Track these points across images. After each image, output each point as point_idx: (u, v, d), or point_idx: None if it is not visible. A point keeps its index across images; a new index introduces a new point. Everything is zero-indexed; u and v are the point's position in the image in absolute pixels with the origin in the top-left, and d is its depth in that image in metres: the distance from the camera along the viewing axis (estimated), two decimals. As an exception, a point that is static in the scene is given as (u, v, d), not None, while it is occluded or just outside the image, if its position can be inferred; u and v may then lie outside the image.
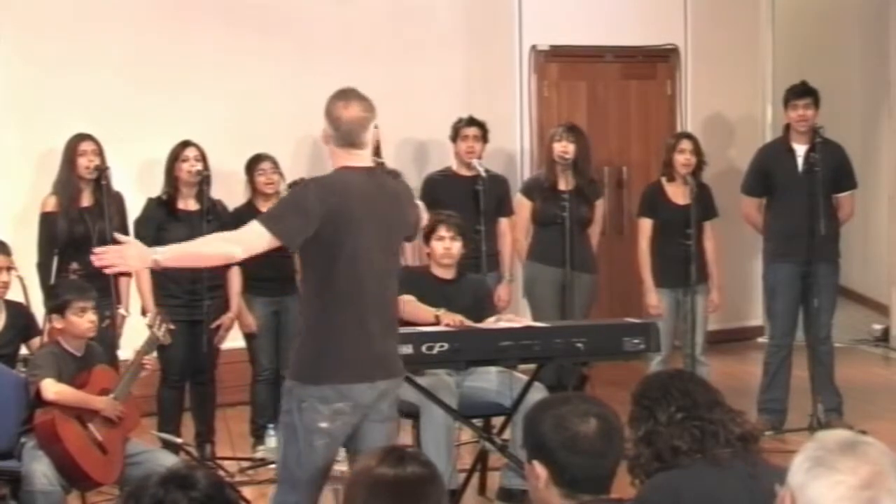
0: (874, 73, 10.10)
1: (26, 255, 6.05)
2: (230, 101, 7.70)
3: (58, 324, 5.10)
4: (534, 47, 8.85)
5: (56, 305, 5.15)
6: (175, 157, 6.39)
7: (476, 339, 5.08)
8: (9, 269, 5.51)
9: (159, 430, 5.96)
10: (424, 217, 6.26)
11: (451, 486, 5.20)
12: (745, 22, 9.56)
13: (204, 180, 6.34)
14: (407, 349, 4.78)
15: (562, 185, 6.90)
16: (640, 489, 3.01)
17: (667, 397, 3.08)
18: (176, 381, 6.39)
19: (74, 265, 5.98)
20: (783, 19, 9.83)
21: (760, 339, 8.73)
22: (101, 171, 6.22)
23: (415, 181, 7.51)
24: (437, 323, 5.29)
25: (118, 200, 6.37)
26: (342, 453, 4.28)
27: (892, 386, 8.30)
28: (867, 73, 10.48)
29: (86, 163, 6.22)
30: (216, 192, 6.50)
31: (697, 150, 6.93)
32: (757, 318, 9.28)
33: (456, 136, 7.18)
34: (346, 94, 4.14)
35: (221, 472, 5.69)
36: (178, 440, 5.88)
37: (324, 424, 4.01)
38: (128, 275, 6.28)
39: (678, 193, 6.91)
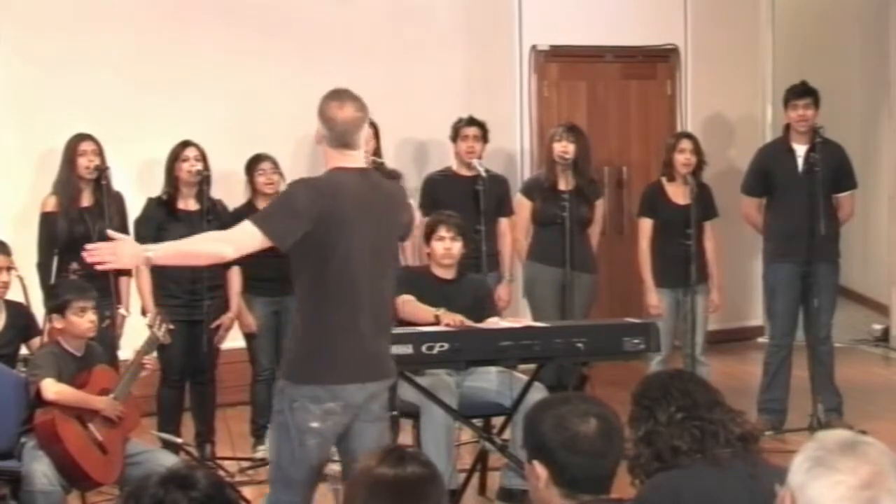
0: (874, 73, 10.10)
1: (26, 255, 6.05)
2: (230, 101, 7.70)
3: (58, 324, 5.10)
4: (534, 47, 8.85)
5: (56, 305, 5.15)
6: (175, 156, 6.39)
7: (476, 339, 5.08)
8: (9, 269, 5.51)
9: (159, 430, 5.96)
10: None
11: (451, 486, 5.20)
12: (745, 22, 9.56)
13: (204, 180, 6.34)
14: (407, 349, 4.79)
15: (562, 185, 6.89)
16: (640, 489, 3.01)
17: (667, 397, 3.08)
18: (176, 381, 6.39)
19: (74, 265, 5.97)
20: (783, 19, 9.83)
21: (760, 339, 8.74)
22: (101, 171, 6.23)
23: (415, 181, 7.52)
24: (437, 323, 5.29)
25: (118, 200, 6.38)
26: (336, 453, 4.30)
27: (892, 386, 8.30)
28: (867, 73, 10.48)
29: (86, 163, 6.22)
30: (216, 192, 6.50)
31: (697, 150, 6.93)
32: (757, 318, 9.29)
33: (456, 136, 7.18)
34: (340, 95, 4.13)
35: (221, 472, 5.69)
36: (178, 440, 5.88)
37: (315, 424, 4.02)
38: (128, 274, 6.30)
39: (678, 193, 6.91)
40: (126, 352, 5.71)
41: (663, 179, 7.00)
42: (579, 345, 5.06)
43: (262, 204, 6.43)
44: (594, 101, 9.07)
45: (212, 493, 2.16)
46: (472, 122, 7.18)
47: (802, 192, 6.68)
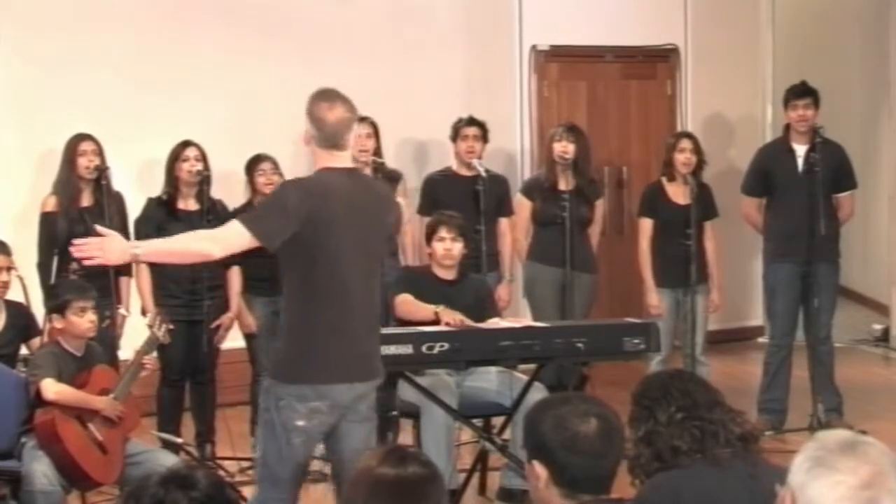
0: (874, 73, 10.10)
1: (26, 255, 6.05)
2: (230, 101, 7.70)
3: (58, 324, 5.11)
4: (534, 47, 8.85)
5: (56, 305, 5.15)
6: (175, 156, 6.40)
7: (476, 339, 5.08)
8: (9, 269, 5.51)
9: (159, 430, 5.96)
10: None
11: (451, 486, 5.20)
12: (745, 22, 9.56)
13: (204, 180, 6.34)
14: (407, 349, 4.79)
15: (562, 185, 6.89)
16: (640, 489, 3.01)
17: (667, 397, 3.08)
18: (176, 381, 6.39)
19: (74, 265, 5.96)
20: (783, 19, 9.83)
21: (760, 339, 8.74)
22: (101, 171, 6.23)
23: (415, 181, 7.52)
24: (437, 319, 5.30)
25: (118, 200, 6.38)
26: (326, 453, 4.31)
27: (892, 386, 8.30)
28: (867, 73, 10.48)
29: (86, 163, 6.23)
30: (216, 192, 6.50)
31: (697, 150, 6.93)
32: (757, 318, 9.29)
33: (456, 136, 7.18)
34: (330, 96, 4.13)
35: (221, 472, 5.69)
36: (178, 440, 5.89)
37: (300, 423, 4.03)
38: (128, 274, 6.30)
39: (678, 193, 6.91)
40: (126, 352, 5.71)
41: (663, 179, 7.00)
42: (579, 345, 5.06)
43: (261, 204, 6.45)
44: (594, 101, 9.07)
45: (212, 493, 2.16)
46: (472, 122, 7.17)
47: (802, 192, 6.68)
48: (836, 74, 10.16)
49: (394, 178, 6.91)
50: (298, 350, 4.06)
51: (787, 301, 6.84)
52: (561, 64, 9.01)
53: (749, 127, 9.39)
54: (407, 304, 5.58)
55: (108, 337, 5.89)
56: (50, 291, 5.63)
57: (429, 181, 7.29)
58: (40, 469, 4.76)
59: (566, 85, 9.04)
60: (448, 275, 5.77)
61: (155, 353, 5.57)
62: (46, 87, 7.32)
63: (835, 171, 6.79)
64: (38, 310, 5.63)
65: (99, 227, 4.08)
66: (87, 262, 3.99)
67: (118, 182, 6.43)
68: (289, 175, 6.73)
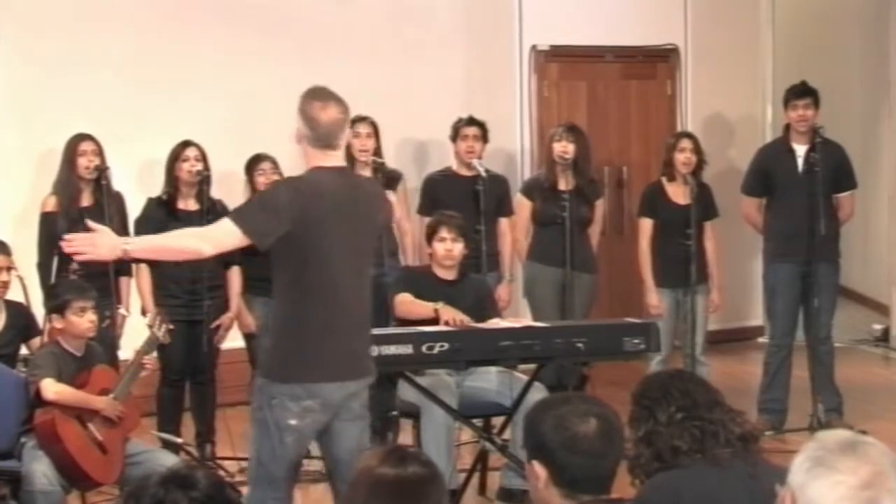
0: (874, 73, 10.10)
1: (26, 255, 6.05)
2: (230, 101, 7.70)
3: (58, 324, 5.10)
4: (534, 47, 8.85)
5: (56, 305, 5.15)
6: (175, 156, 6.40)
7: (476, 339, 5.08)
8: (9, 269, 5.51)
9: (159, 430, 5.96)
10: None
11: (451, 486, 5.20)
12: (745, 22, 9.56)
13: (204, 180, 6.34)
14: (407, 349, 4.80)
15: (562, 185, 6.89)
16: (640, 489, 3.01)
17: (667, 397, 3.08)
18: (176, 381, 6.39)
19: (74, 265, 5.97)
20: (783, 19, 9.83)
21: (760, 339, 8.74)
22: (101, 171, 6.23)
23: (415, 181, 7.52)
24: (437, 316, 5.30)
25: (118, 200, 6.38)
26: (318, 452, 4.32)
27: (892, 386, 8.30)
28: (867, 73, 10.48)
29: (86, 163, 6.23)
30: (216, 192, 6.49)
31: (698, 149, 6.93)
32: (757, 318, 9.29)
33: (456, 135, 7.17)
34: (323, 95, 4.13)
35: (221, 472, 5.69)
36: (178, 440, 5.89)
37: (293, 422, 4.04)
38: (128, 274, 6.30)
39: (678, 193, 6.90)
40: (126, 352, 5.71)
41: (663, 179, 7.00)
42: (579, 345, 5.06)
43: (262, 204, 6.44)
44: (594, 101, 9.07)
45: (212, 493, 2.16)
46: (471, 121, 7.17)
47: (802, 192, 6.68)
48: (836, 74, 10.16)
49: (394, 178, 6.91)
50: (290, 349, 4.06)
51: (787, 301, 6.84)
52: (561, 64, 9.01)
53: (749, 127, 9.39)
54: (406, 303, 5.59)
55: (108, 337, 5.89)
56: (50, 291, 5.62)
57: (429, 181, 7.29)
58: (40, 469, 4.76)
59: (566, 85, 9.04)
60: (448, 275, 5.77)
61: (155, 353, 5.57)
62: (46, 87, 7.32)
63: (835, 171, 6.79)
64: (38, 310, 5.63)
65: (90, 223, 4.08)
66: (77, 258, 3.99)
67: (118, 182, 6.43)
68: (289, 175, 6.74)
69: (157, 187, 6.51)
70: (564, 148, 6.88)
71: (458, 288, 5.74)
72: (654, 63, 9.30)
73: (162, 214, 6.33)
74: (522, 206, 7.10)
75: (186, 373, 6.40)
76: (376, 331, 4.95)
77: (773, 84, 9.36)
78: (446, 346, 4.90)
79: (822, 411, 6.71)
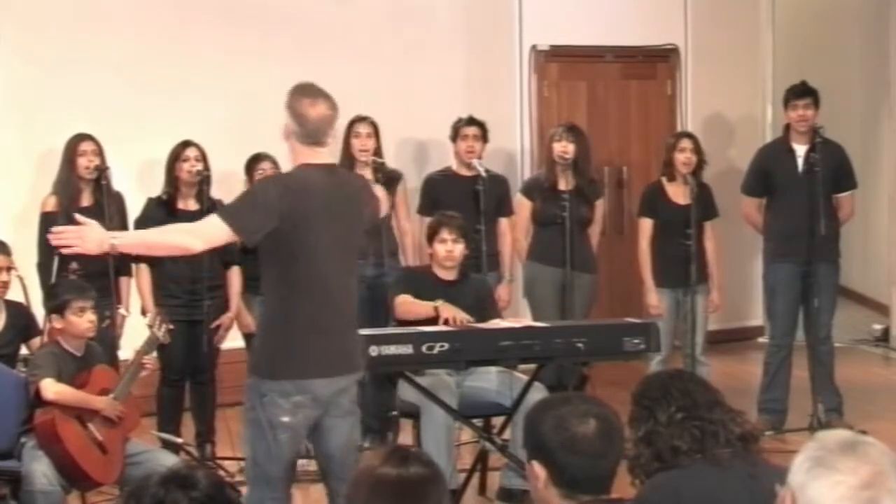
0: (874, 73, 10.10)
1: (26, 255, 6.05)
2: (230, 101, 7.70)
3: (58, 324, 5.10)
4: (534, 47, 8.85)
5: (56, 305, 5.15)
6: (175, 156, 6.40)
7: (476, 339, 5.08)
8: (9, 269, 5.51)
9: (159, 430, 5.96)
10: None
11: (451, 486, 5.19)
12: (745, 22, 9.56)
13: (204, 180, 6.35)
14: (407, 349, 4.79)
15: (562, 185, 6.89)
16: (640, 489, 3.01)
17: (667, 397, 3.08)
18: (176, 381, 6.39)
19: (74, 265, 5.98)
20: (783, 19, 9.83)
21: (760, 339, 8.74)
22: (101, 171, 6.24)
23: (415, 181, 7.52)
24: (437, 314, 5.30)
25: (118, 200, 6.38)
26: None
27: (892, 386, 8.30)
28: (867, 73, 10.48)
29: (86, 163, 6.23)
30: (216, 192, 6.49)
31: (698, 149, 6.93)
32: (757, 318, 9.29)
33: (456, 135, 7.17)
34: (311, 92, 4.13)
35: (221, 472, 5.68)
36: (178, 440, 5.89)
37: (285, 418, 4.05)
38: (128, 274, 6.30)
39: (678, 193, 6.90)
40: (126, 352, 5.71)
41: (663, 179, 6.99)
42: (579, 345, 5.05)
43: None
44: (594, 101, 9.07)
45: (212, 493, 2.16)
46: (471, 121, 7.17)
47: (802, 192, 6.68)
48: (836, 74, 10.16)
49: (394, 177, 6.92)
50: (278, 345, 4.08)
51: (787, 301, 6.84)
52: (561, 64, 9.01)
53: (749, 127, 9.39)
54: (406, 304, 5.59)
55: (108, 337, 5.89)
56: (50, 291, 5.62)
57: (429, 181, 7.29)
58: (40, 469, 4.76)
59: (566, 85, 9.04)
60: (449, 275, 5.77)
61: (155, 353, 5.57)
62: (46, 87, 7.32)
63: (835, 171, 6.79)
64: (38, 310, 5.63)
65: (78, 216, 4.08)
66: (64, 251, 4.00)
67: (118, 182, 6.43)
68: (289, 175, 6.74)
69: (157, 187, 6.51)
70: (564, 148, 6.87)
71: (459, 288, 5.74)
72: (654, 63, 9.30)
73: (162, 214, 6.32)
74: (522, 206, 7.10)
75: (186, 373, 6.40)
76: (376, 331, 4.97)
77: (773, 84, 9.36)
78: (446, 346, 4.89)
79: (822, 411, 6.71)
